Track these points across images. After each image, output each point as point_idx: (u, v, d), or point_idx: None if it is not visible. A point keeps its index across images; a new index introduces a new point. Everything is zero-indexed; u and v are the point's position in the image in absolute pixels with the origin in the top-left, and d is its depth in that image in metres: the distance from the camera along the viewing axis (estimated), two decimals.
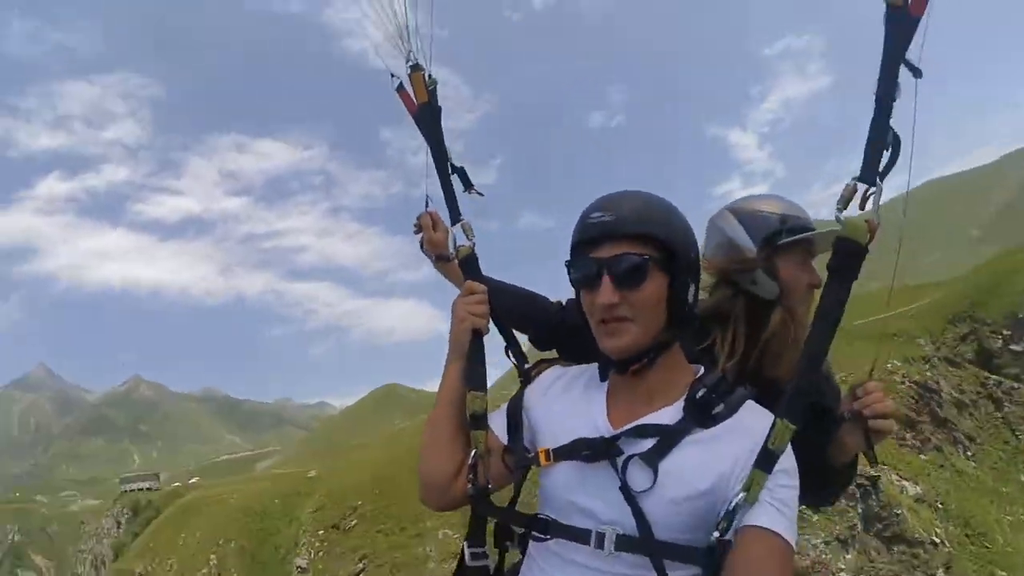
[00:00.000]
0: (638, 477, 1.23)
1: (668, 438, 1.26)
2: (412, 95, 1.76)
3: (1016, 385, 24.92)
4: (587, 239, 1.31)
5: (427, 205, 1.94)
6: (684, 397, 1.32)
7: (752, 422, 1.27)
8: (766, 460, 1.20)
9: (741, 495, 1.18)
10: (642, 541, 1.21)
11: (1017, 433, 23.99)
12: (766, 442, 1.21)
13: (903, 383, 26.07)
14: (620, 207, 1.30)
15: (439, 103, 1.76)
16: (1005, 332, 26.73)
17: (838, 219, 1.29)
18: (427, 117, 1.75)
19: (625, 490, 1.23)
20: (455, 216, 1.72)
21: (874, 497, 21.50)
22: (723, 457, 1.23)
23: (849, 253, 1.27)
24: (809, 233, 1.72)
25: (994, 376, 25.53)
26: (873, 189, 1.28)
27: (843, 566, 19.62)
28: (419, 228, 1.99)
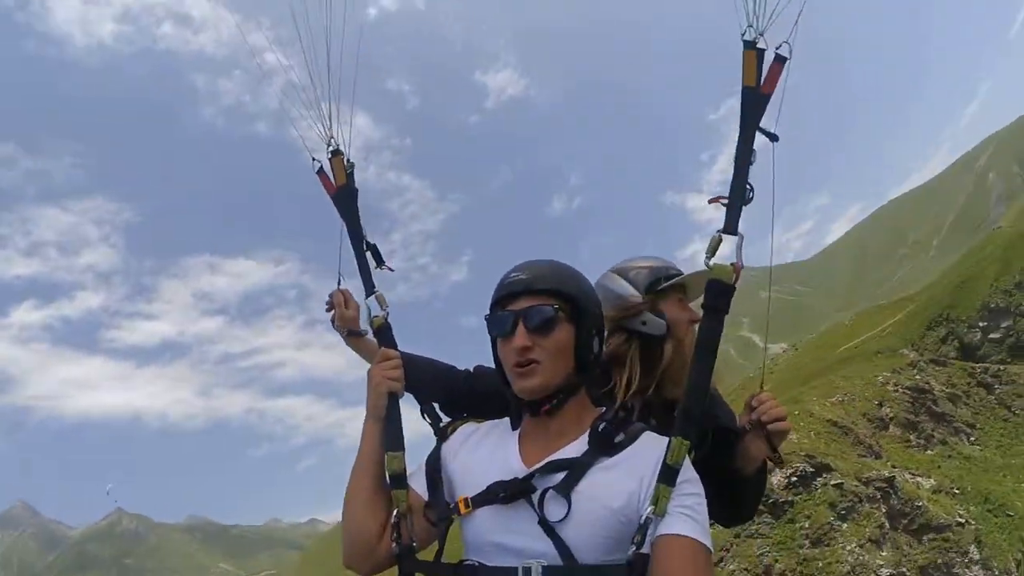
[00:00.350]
0: (554, 508, 1.32)
1: (577, 468, 1.36)
2: (332, 178, 1.88)
3: (1002, 367, 26.22)
4: (505, 295, 1.48)
5: (339, 283, 2.03)
6: (588, 431, 1.45)
7: (651, 445, 1.42)
8: (667, 475, 1.33)
9: (650, 508, 1.29)
10: (567, 569, 1.29)
11: (1013, 409, 25.10)
12: (665, 458, 1.35)
13: (896, 391, 26.95)
14: (533, 269, 1.49)
15: (355, 185, 1.88)
16: (981, 324, 28.22)
17: (708, 265, 1.50)
18: (345, 198, 1.86)
19: (544, 523, 1.31)
20: (370, 289, 1.80)
21: (894, 496, 22.25)
22: (629, 477, 1.35)
23: (719, 292, 1.48)
24: (683, 276, 1.96)
25: (980, 365, 26.83)
26: (735, 238, 1.50)
27: (881, 562, 20.18)
28: (331, 305, 2.11)
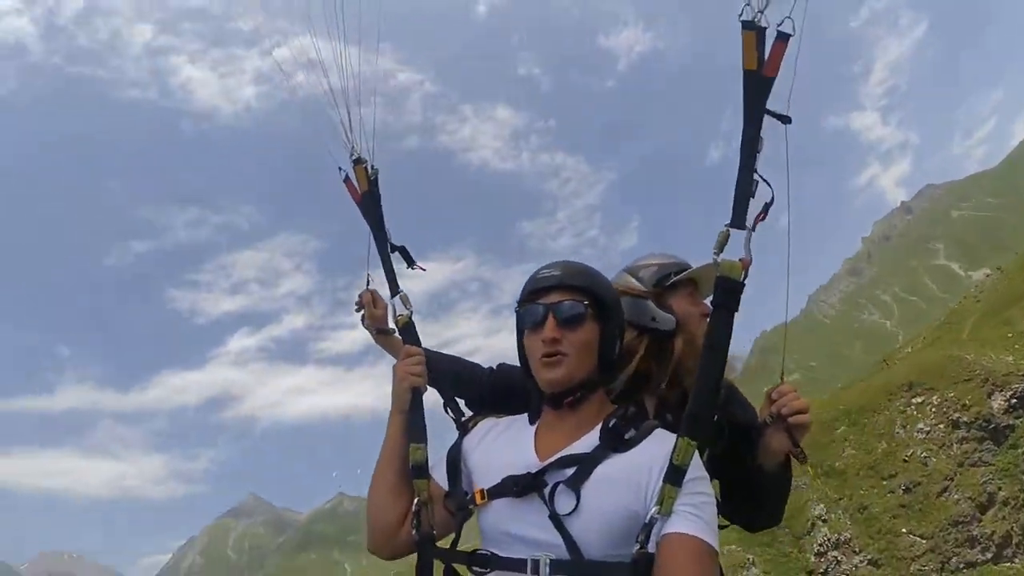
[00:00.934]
0: (563, 502, 1.36)
1: (587, 463, 1.40)
2: (356, 185, 1.96)
3: None
4: (537, 289, 1.55)
5: (368, 284, 2.09)
6: (599, 427, 1.49)
7: (660, 443, 1.44)
8: (674, 475, 1.34)
9: (655, 508, 1.31)
10: (573, 563, 1.33)
11: None
12: (671, 458, 1.36)
13: None
14: (565, 268, 1.56)
15: (379, 191, 1.96)
16: None
17: (716, 262, 1.49)
18: (369, 204, 1.95)
19: (554, 517, 1.36)
20: (394, 289, 1.90)
21: None
22: (638, 475, 1.38)
23: (728, 290, 1.46)
24: (691, 271, 1.93)
25: None
26: (743, 233, 1.47)
27: None
28: (360, 306, 2.15)
